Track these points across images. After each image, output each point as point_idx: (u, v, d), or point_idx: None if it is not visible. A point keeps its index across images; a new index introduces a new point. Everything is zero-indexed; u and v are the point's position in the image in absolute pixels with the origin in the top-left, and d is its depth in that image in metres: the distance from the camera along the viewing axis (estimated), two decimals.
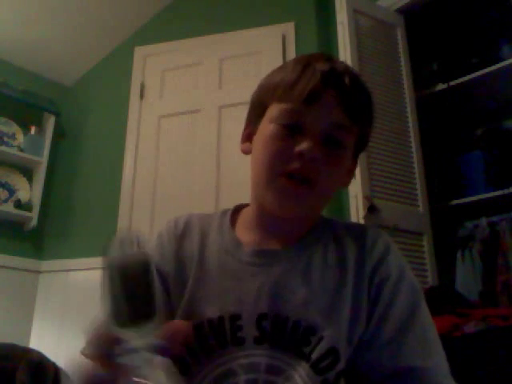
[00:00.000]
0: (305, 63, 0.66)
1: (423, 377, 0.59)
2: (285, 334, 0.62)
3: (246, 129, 0.75)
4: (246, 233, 0.71)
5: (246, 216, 0.74)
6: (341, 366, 0.61)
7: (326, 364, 0.60)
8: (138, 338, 0.39)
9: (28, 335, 2.57)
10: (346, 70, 0.67)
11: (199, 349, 0.62)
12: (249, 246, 0.69)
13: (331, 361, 0.60)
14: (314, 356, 0.60)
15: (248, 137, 0.74)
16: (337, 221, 0.75)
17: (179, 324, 0.52)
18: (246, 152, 0.73)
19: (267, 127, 0.67)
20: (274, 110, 0.66)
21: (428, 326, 0.65)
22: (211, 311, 0.64)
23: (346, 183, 0.73)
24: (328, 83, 0.64)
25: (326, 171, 0.64)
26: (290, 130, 0.64)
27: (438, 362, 0.61)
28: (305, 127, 0.64)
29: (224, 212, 0.76)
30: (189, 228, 0.72)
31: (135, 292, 0.40)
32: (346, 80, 0.65)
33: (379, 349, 0.61)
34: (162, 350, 0.41)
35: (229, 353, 0.61)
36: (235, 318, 0.63)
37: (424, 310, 0.66)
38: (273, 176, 0.64)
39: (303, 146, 0.62)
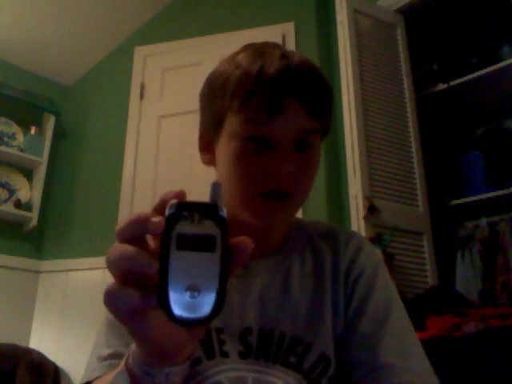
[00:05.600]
0: (259, 65, 0.60)
1: (398, 375, 0.59)
2: (271, 347, 0.61)
3: (202, 137, 0.71)
4: None
5: None
6: (332, 370, 0.61)
7: (318, 372, 0.61)
8: None
9: (28, 335, 2.57)
10: (302, 65, 0.62)
11: None
12: None
13: (323, 367, 0.61)
14: (306, 366, 0.60)
15: (207, 147, 0.69)
16: (308, 224, 0.75)
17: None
18: (209, 164, 0.70)
19: (231, 144, 0.62)
20: (234, 123, 0.61)
21: (404, 326, 0.65)
22: None
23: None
24: (288, 87, 0.59)
25: (302, 180, 0.62)
26: (257, 143, 0.60)
27: (415, 362, 0.61)
28: (272, 138, 0.60)
29: None
30: None
31: None
32: (305, 79, 0.61)
33: (357, 346, 0.62)
34: None
35: (216, 364, 0.60)
36: (219, 331, 0.62)
37: (399, 309, 0.66)
38: (248, 198, 0.61)
39: (277, 163, 0.59)
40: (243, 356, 0.61)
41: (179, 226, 0.35)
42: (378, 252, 1.62)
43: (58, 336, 2.46)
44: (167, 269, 0.35)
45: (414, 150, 2.07)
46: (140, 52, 2.70)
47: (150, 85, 2.59)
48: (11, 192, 2.71)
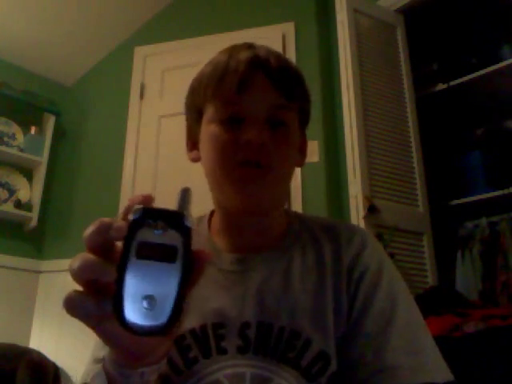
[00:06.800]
0: (227, 56, 0.67)
1: (405, 376, 0.57)
2: (269, 342, 0.60)
3: (188, 138, 0.75)
4: (221, 239, 0.71)
5: (216, 221, 0.73)
6: (332, 368, 0.60)
7: (317, 369, 0.59)
8: None
9: (28, 335, 2.57)
10: (269, 52, 0.68)
11: (181, 361, 0.60)
12: (228, 253, 0.68)
13: (322, 365, 0.59)
14: (304, 363, 0.59)
15: (193, 145, 0.73)
16: (311, 218, 0.75)
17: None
18: (196, 160, 0.73)
19: (208, 129, 0.66)
20: (209, 110, 0.67)
21: (412, 321, 0.63)
22: (193, 321, 0.63)
23: (301, 163, 0.73)
24: (255, 68, 0.64)
25: (276, 152, 0.64)
26: (231, 123, 0.64)
27: (425, 359, 0.59)
28: (244, 116, 0.64)
29: (200, 218, 0.75)
30: None
31: None
32: (272, 61, 0.66)
33: (362, 345, 0.60)
34: None
35: (213, 363, 0.60)
36: (218, 326, 0.62)
37: (405, 303, 0.64)
38: (227, 170, 0.64)
39: (249, 133, 0.62)
40: (242, 351, 0.60)
41: (141, 233, 0.34)
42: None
43: (57, 336, 2.46)
44: (124, 277, 0.34)
45: (413, 149, 2.07)
46: (140, 52, 2.70)
47: (149, 85, 2.59)
48: (11, 192, 2.71)
